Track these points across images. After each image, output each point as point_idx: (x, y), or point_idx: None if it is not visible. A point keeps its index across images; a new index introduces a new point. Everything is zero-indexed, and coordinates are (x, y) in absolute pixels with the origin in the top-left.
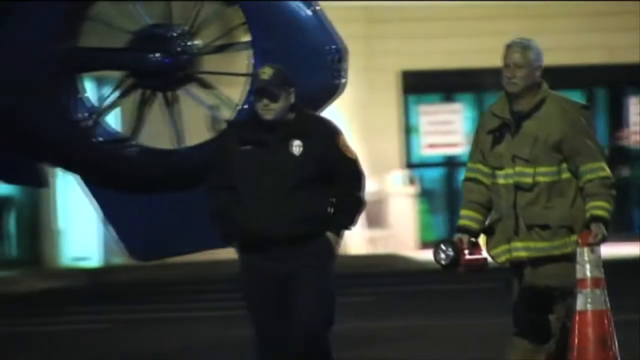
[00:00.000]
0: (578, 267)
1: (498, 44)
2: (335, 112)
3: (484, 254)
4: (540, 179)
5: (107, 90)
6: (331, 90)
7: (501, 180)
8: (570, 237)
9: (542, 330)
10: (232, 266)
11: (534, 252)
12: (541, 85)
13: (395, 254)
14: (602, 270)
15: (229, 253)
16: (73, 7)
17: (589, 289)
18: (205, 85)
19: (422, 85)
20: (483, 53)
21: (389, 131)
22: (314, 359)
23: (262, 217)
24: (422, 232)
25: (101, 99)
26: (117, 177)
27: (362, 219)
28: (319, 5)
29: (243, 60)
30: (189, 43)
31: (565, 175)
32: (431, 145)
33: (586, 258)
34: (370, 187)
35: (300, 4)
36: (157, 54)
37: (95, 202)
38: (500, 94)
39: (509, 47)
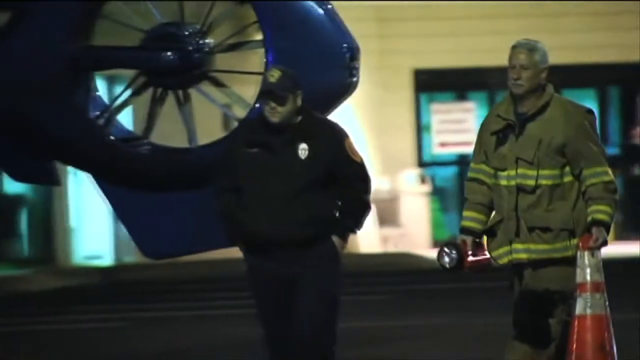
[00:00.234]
0: (578, 270)
1: (511, 42)
2: (347, 111)
3: (487, 254)
4: (543, 181)
5: (119, 89)
6: (344, 89)
7: (503, 182)
8: (571, 240)
9: (542, 334)
10: (243, 265)
11: (535, 254)
12: (546, 88)
13: (407, 252)
14: (603, 274)
15: (241, 252)
16: (86, 6)
17: (588, 293)
18: (217, 83)
19: (434, 83)
20: (496, 52)
21: (402, 130)
22: None
23: (268, 220)
24: (435, 230)
25: (113, 97)
26: (130, 176)
27: (374, 218)
28: (331, 4)
29: (257, 59)
30: (201, 41)
31: (568, 178)
32: (443, 144)
33: (586, 262)
34: (383, 185)
35: (313, 3)
36: (170, 53)
37: (108, 201)
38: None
39: (514, 48)
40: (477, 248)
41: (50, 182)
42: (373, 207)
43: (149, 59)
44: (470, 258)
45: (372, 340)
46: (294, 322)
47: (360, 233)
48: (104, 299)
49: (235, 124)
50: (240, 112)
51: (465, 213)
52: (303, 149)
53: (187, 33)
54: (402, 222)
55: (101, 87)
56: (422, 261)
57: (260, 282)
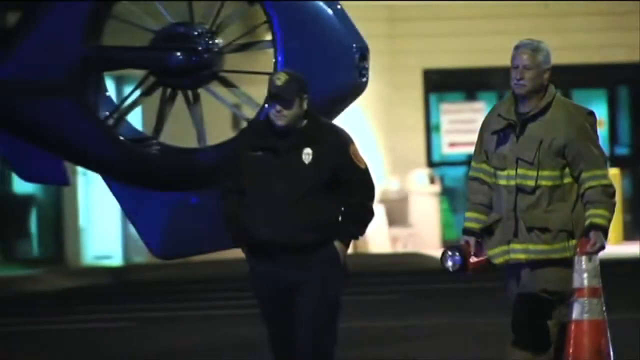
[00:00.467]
0: (575, 275)
1: None
2: (357, 111)
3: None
4: (543, 182)
5: (128, 89)
6: (354, 89)
7: (503, 181)
8: (569, 241)
9: (541, 337)
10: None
11: (533, 254)
12: (548, 88)
13: (417, 252)
14: (600, 279)
15: (244, 254)
16: (97, 6)
17: (585, 298)
18: (227, 83)
19: (444, 83)
20: (506, 52)
21: (411, 130)
22: None
23: (270, 224)
24: (445, 230)
25: (123, 97)
26: (139, 176)
27: (384, 218)
28: (341, 4)
29: (266, 59)
30: (210, 42)
31: (567, 180)
32: (453, 144)
33: (584, 267)
34: (392, 185)
35: (323, 3)
36: (179, 53)
37: (118, 201)
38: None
39: (517, 49)
40: (480, 248)
41: (60, 182)
42: (383, 207)
43: (158, 59)
44: (473, 259)
45: (381, 340)
46: (296, 324)
47: (369, 233)
48: (114, 299)
49: (245, 124)
50: (249, 113)
51: (467, 214)
52: (307, 154)
53: (196, 33)
54: (411, 222)
55: (110, 87)
56: (431, 261)
57: (262, 286)
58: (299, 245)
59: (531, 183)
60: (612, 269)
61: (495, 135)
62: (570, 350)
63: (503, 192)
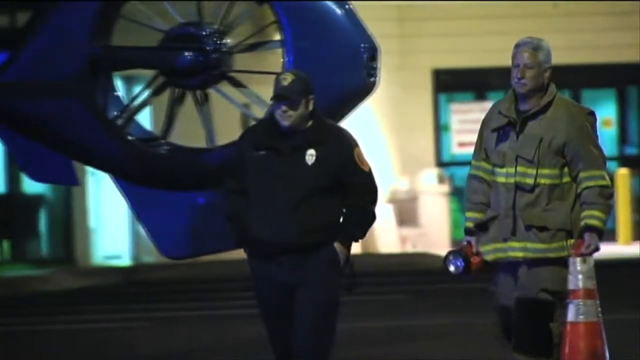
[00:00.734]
0: (570, 277)
1: None
2: (367, 111)
3: None
4: (542, 180)
5: (138, 89)
6: (364, 89)
7: (501, 179)
8: (568, 240)
9: (543, 341)
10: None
11: (531, 252)
12: (549, 87)
13: (426, 252)
14: (595, 281)
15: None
16: (106, 6)
17: (580, 300)
18: (236, 83)
19: (454, 83)
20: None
21: (421, 130)
22: None
23: (271, 225)
24: (454, 230)
25: (133, 97)
26: (149, 176)
27: (393, 218)
28: (351, 4)
29: (276, 59)
30: (220, 42)
31: (567, 179)
32: (462, 144)
33: (578, 268)
34: (402, 185)
35: (333, 3)
36: (189, 53)
37: (128, 201)
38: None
39: (518, 47)
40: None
41: (69, 182)
42: (392, 206)
43: (167, 59)
44: (476, 258)
45: (390, 340)
46: (295, 324)
47: (379, 233)
48: (123, 299)
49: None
50: (259, 113)
51: (468, 214)
52: (310, 155)
53: (206, 33)
54: (421, 222)
55: (120, 87)
56: (440, 261)
57: (263, 287)
58: (300, 246)
59: (530, 181)
60: (621, 269)
61: (495, 132)
62: (566, 353)
63: (501, 189)
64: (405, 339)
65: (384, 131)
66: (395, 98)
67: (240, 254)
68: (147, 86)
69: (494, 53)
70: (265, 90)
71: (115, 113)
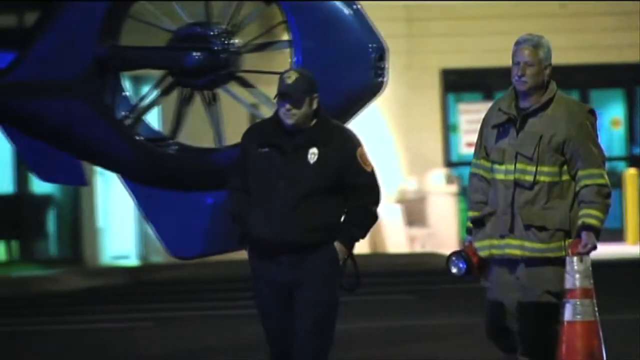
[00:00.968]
0: (567, 276)
1: None
2: (375, 111)
3: None
4: (542, 178)
5: (146, 89)
6: (372, 89)
7: (500, 176)
8: (566, 240)
9: (551, 344)
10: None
11: (528, 252)
12: (549, 85)
13: (435, 252)
14: (592, 280)
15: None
16: (114, 6)
17: (578, 300)
18: (245, 83)
19: (462, 83)
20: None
21: (429, 130)
22: None
23: (271, 223)
24: (463, 230)
25: (141, 97)
26: (157, 176)
27: (402, 218)
28: (359, 4)
29: (284, 59)
30: (228, 42)
31: (566, 177)
32: (471, 144)
33: (575, 268)
34: (410, 185)
35: (341, 3)
36: (197, 53)
37: (136, 201)
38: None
39: (518, 45)
40: None
41: (78, 183)
42: (401, 207)
43: (176, 59)
44: (478, 261)
45: (398, 340)
46: (294, 324)
47: (388, 233)
48: (131, 299)
49: None
50: (267, 112)
51: (470, 213)
52: (313, 154)
53: (214, 33)
54: (429, 222)
55: (128, 87)
56: None
57: (262, 285)
58: (300, 245)
59: (530, 178)
60: (628, 268)
61: (495, 129)
62: (563, 352)
63: (499, 186)
64: (414, 339)
65: (392, 131)
66: (404, 98)
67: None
68: (156, 86)
69: (502, 53)
70: (274, 91)
71: (124, 113)
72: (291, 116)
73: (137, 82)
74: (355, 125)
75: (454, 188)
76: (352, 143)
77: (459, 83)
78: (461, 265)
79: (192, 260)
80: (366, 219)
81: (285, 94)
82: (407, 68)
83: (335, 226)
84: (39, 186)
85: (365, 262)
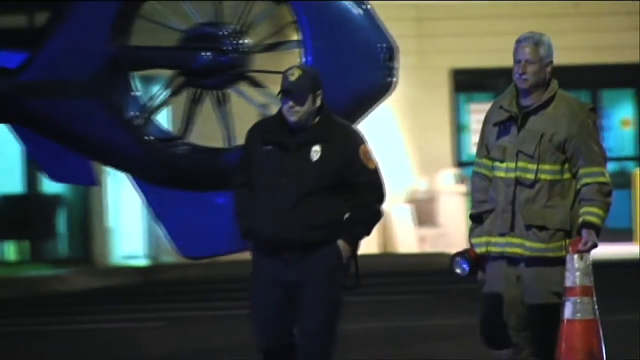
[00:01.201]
0: (567, 274)
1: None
2: (386, 111)
3: None
4: (543, 176)
5: (157, 89)
6: (382, 89)
7: (501, 174)
8: (566, 241)
9: (552, 346)
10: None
11: (529, 251)
12: (551, 83)
13: (445, 252)
14: (592, 278)
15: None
16: (125, 6)
17: (578, 298)
18: (255, 84)
19: (472, 83)
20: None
21: (440, 130)
22: None
23: (274, 221)
24: None
25: (152, 97)
26: (167, 176)
27: (413, 218)
28: (369, 4)
29: (295, 59)
30: (239, 42)
31: (567, 175)
32: None
33: (576, 265)
34: (421, 186)
35: (351, 3)
36: (208, 53)
37: (146, 201)
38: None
39: (519, 43)
40: None
41: (88, 183)
42: (411, 207)
43: (186, 59)
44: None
45: (410, 340)
46: (292, 327)
47: (398, 233)
48: (141, 299)
49: None
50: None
51: (471, 212)
52: (316, 151)
53: (225, 33)
54: (440, 223)
55: (139, 87)
56: None
57: (261, 283)
58: (301, 243)
59: (531, 177)
60: (638, 268)
61: (496, 127)
62: (563, 351)
63: (500, 184)
64: (424, 339)
65: (402, 132)
66: (414, 98)
67: None
68: (166, 86)
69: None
70: None
71: (134, 113)
72: (294, 114)
73: (148, 82)
74: (366, 125)
75: (464, 188)
76: (355, 140)
77: (469, 83)
78: (465, 266)
79: (202, 260)
80: (370, 217)
81: (288, 92)
82: (417, 68)
83: (338, 225)
84: (49, 186)
85: (375, 262)
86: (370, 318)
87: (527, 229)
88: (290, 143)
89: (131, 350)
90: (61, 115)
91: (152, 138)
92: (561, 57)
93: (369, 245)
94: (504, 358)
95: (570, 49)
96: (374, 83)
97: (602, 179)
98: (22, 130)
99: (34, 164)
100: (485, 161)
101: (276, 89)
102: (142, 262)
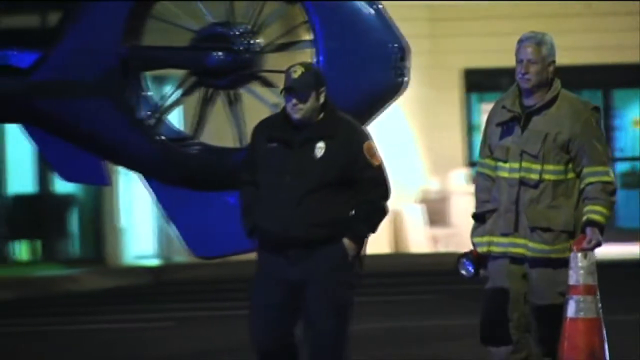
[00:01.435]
0: (570, 272)
1: (561, 42)
2: (397, 111)
3: None
4: (547, 176)
5: (168, 89)
6: (394, 88)
7: (504, 174)
8: (570, 242)
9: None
10: None
11: (532, 252)
12: (553, 82)
13: (457, 252)
14: (596, 277)
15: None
16: (137, 6)
17: (580, 296)
18: (267, 83)
19: (484, 83)
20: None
21: (452, 129)
22: None
23: (278, 217)
24: None
25: (164, 97)
26: (179, 176)
27: (424, 218)
28: (381, 4)
29: (306, 59)
30: (251, 41)
31: (571, 175)
32: None
33: (579, 264)
34: (432, 185)
35: (363, 3)
36: (220, 53)
37: (157, 201)
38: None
39: (521, 42)
40: None
41: (100, 182)
42: (423, 206)
43: (199, 59)
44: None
45: (421, 340)
46: (306, 325)
47: (410, 233)
48: (153, 299)
49: None
50: None
51: (474, 212)
52: (320, 148)
53: (237, 33)
54: (451, 222)
55: (151, 87)
56: None
57: (265, 280)
58: (304, 240)
59: (535, 177)
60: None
61: (499, 127)
62: (565, 349)
63: (503, 184)
64: (435, 339)
65: (414, 131)
66: (426, 98)
67: None
68: (178, 86)
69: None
70: None
71: (146, 113)
72: (298, 111)
73: (159, 82)
74: (377, 125)
75: None
76: (359, 136)
77: (481, 83)
78: (469, 267)
79: (214, 260)
80: (374, 215)
81: (291, 89)
82: (429, 68)
83: (342, 222)
84: (61, 186)
85: (386, 262)
86: (380, 318)
87: (531, 230)
88: (294, 140)
89: (142, 350)
90: (73, 115)
91: (163, 138)
92: (573, 57)
93: (380, 245)
94: (501, 356)
95: (582, 49)
96: (385, 83)
97: (606, 178)
98: (34, 130)
99: (46, 164)
100: (488, 161)
101: None
102: (154, 262)
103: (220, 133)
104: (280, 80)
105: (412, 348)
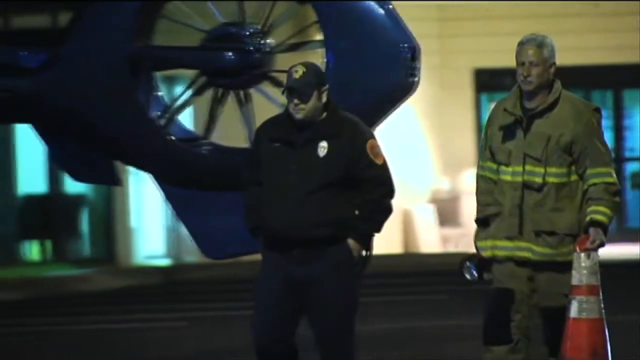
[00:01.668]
0: (573, 273)
1: (571, 42)
2: (408, 111)
3: None
4: (550, 179)
5: (179, 89)
6: (404, 88)
7: (507, 177)
8: (574, 245)
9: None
10: None
11: (537, 256)
12: (554, 84)
13: (468, 252)
14: (599, 277)
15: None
16: (147, 5)
17: (583, 297)
18: (278, 83)
19: (495, 83)
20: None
21: (462, 129)
22: None
23: (282, 217)
24: None
25: (174, 97)
26: (190, 176)
27: (435, 218)
28: (392, 4)
29: (317, 59)
30: (262, 41)
31: (574, 177)
32: None
33: (582, 264)
34: (443, 185)
35: (374, 3)
36: (230, 53)
37: (168, 201)
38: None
39: (522, 45)
40: None
41: (111, 182)
42: (434, 206)
43: (209, 59)
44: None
45: (432, 340)
46: (313, 326)
47: (420, 233)
48: (164, 299)
49: None
50: None
51: (477, 215)
52: (323, 147)
53: (247, 33)
54: (462, 222)
55: (162, 87)
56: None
57: (268, 278)
58: (309, 239)
59: (539, 180)
60: None
61: (501, 130)
62: (567, 349)
63: (506, 188)
64: (447, 339)
65: (425, 131)
66: (436, 98)
67: None
68: (189, 86)
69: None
70: None
71: (157, 113)
72: (299, 111)
73: (170, 82)
74: (388, 125)
75: None
76: (362, 135)
77: (491, 83)
78: (473, 271)
79: (225, 260)
80: (378, 213)
81: (292, 89)
82: (439, 68)
83: (347, 221)
84: (72, 186)
85: (397, 262)
86: (391, 318)
87: (536, 234)
88: (296, 139)
89: (153, 350)
90: (83, 115)
91: (174, 138)
92: (584, 57)
93: (390, 245)
94: (501, 355)
95: (591, 49)
96: (396, 83)
97: (609, 179)
98: (44, 130)
99: (57, 164)
100: (489, 164)
101: None
102: (165, 262)
103: (231, 133)
104: None
105: (425, 348)
